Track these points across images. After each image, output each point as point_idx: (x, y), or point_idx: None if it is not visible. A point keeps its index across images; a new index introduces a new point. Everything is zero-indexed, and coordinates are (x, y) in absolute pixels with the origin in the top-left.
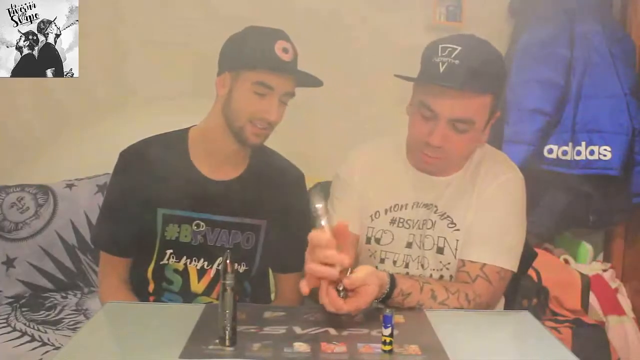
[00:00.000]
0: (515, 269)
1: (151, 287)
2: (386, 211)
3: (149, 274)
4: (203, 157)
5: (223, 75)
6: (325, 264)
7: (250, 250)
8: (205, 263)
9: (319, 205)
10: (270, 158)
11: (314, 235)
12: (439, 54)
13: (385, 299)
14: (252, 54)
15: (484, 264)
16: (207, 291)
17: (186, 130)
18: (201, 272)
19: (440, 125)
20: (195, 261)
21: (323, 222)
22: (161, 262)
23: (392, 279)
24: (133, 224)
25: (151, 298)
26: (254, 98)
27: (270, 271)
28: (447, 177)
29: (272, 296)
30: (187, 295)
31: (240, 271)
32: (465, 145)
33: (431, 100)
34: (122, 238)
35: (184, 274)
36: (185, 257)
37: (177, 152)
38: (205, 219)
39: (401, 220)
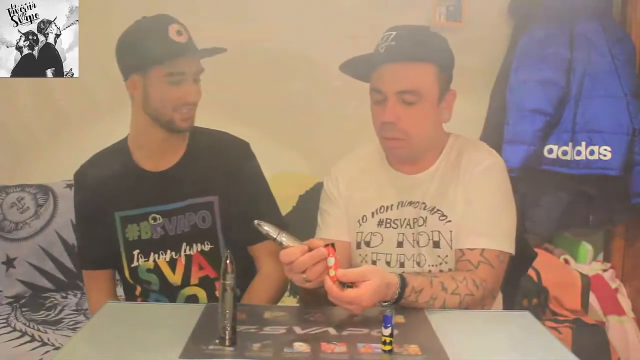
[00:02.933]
0: (512, 251)
1: (138, 291)
2: (372, 214)
3: (129, 279)
4: (143, 155)
5: (131, 78)
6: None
7: (209, 229)
8: (173, 253)
9: (257, 222)
10: (209, 135)
11: (283, 255)
12: (380, 43)
13: (399, 299)
14: (151, 50)
15: (484, 250)
16: (186, 280)
17: (125, 138)
18: (172, 263)
19: (390, 101)
20: (162, 254)
21: (284, 239)
22: (132, 265)
23: (402, 278)
24: (100, 236)
25: (139, 300)
26: (170, 88)
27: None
28: (426, 171)
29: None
30: (169, 289)
31: (207, 250)
32: (421, 122)
33: (377, 82)
34: (94, 252)
35: (157, 271)
36: (152, 254)
37: (121, 158)
38: (159, 211)
39: (388, 221)
